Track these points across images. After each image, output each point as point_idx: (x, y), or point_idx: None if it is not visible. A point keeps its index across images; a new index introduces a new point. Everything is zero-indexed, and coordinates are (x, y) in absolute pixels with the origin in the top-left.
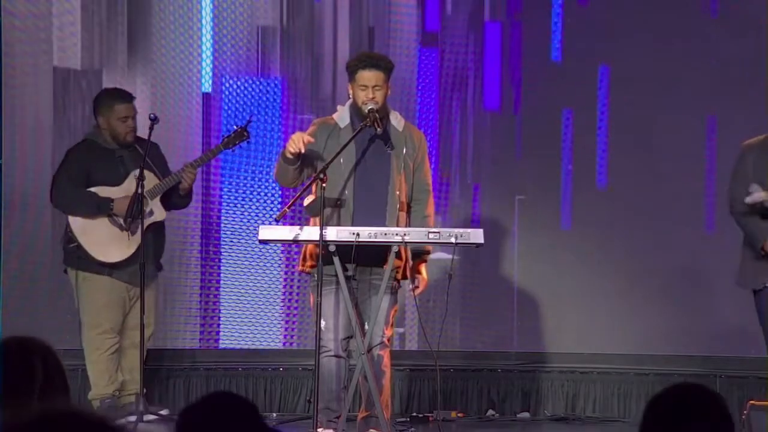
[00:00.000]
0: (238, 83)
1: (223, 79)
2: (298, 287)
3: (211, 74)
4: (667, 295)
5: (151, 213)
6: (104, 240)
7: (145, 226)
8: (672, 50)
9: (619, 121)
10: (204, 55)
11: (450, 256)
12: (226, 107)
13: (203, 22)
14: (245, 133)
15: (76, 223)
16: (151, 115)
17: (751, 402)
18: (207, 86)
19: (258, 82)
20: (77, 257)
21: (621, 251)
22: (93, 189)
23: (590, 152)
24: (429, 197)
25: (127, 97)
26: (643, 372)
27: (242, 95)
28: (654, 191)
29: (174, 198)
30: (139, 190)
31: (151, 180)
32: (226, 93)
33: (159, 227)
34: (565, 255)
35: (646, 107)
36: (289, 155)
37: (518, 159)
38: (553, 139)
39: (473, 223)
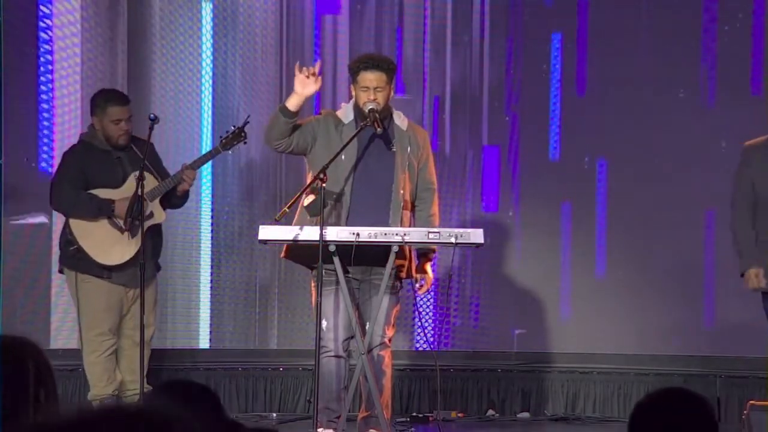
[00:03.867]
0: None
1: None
2: (298, 287)
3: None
4: (667, 295)
5: (151, 215)
6: (104, 242)
7: (145, 228)
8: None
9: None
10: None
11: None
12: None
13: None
14: (242, 134)
15: (76, 225)
16: (151, 115)
17: (751, 402)
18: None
19: None
20: (77, 260)
21: (622, 252)
22: (93, 191)
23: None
24: (434, 196)
25: (121, 100)
26: (643, 372)
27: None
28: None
29: (172, 199)
30: (139, 191)
31: (150, 182)
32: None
33: (157, 228)
34: (565, 257)
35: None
36: (293, 98)
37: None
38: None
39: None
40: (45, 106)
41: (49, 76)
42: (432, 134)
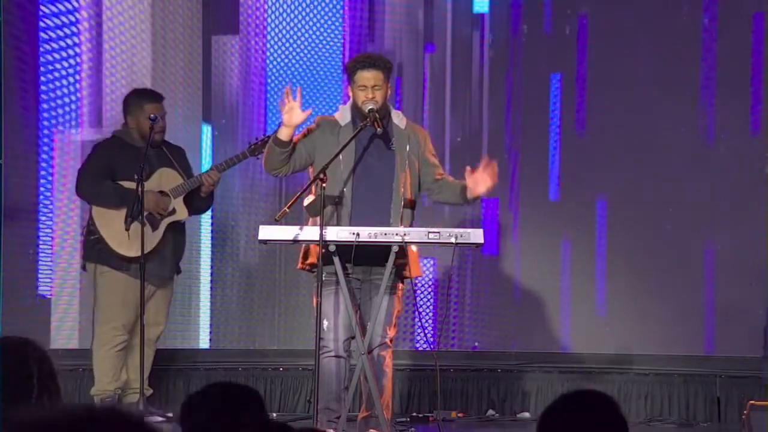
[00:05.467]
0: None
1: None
2: (298, 287)
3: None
4: (667, 295)
5: (173, 211)
6: (125, 233)
7: (166, 224)
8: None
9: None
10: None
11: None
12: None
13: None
14: None
15: (98, 213)
16: (151, 116)
17: (751, 402)
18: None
19: None
20: (97, 250)
21: (622, 251)
22: (119, 183)
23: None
24: (442, 170)
25: (156, 97)
26: (643, 372)
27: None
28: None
29: (196, 200)
30: (139, 191)
31: (175, 179)
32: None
33: (180, 227)
34: (565, 256)
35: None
36: (283, 129)
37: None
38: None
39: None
40: (45, 106)
41: (50, 76)
42: None
